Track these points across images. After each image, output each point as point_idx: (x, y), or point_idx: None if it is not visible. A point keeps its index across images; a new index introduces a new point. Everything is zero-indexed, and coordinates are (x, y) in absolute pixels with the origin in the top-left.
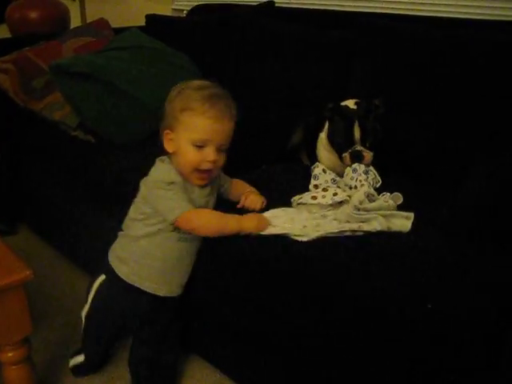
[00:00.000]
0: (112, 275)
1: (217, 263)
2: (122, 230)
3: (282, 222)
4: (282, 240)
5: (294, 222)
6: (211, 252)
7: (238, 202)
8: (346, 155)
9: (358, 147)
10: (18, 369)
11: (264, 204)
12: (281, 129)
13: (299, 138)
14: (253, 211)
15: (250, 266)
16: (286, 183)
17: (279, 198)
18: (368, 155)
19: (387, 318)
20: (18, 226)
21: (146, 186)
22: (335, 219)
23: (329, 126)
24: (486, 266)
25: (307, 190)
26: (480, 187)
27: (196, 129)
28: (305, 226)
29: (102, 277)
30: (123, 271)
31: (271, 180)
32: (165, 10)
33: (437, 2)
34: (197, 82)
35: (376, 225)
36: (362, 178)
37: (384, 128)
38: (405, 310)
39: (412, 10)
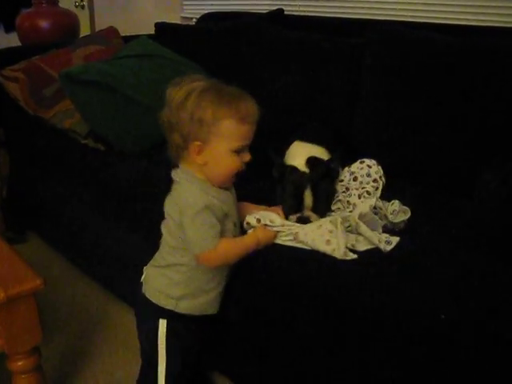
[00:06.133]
0: (172, 315)
1: (245, 281)
2: (158, 264)
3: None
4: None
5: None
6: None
7: None
8: (293, 218)
9: (307, 213)
10: (28, 378)
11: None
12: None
13: None
14: None
15: (278, 287)
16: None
17: None
18: (315, 219)
19: (401, 330)
20: (28, 235)
21: (177, 210)
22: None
23: (277, 187)
24: (501, 277)
25: None
26: (494, 198)
27: (237, 137)
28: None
29: (163, 323)
30: (188, 307)
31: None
32: (174, 18)
33: (450, 10)
34: (205, 83)
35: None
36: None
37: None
38: (419, 321)
39: (425, 17)
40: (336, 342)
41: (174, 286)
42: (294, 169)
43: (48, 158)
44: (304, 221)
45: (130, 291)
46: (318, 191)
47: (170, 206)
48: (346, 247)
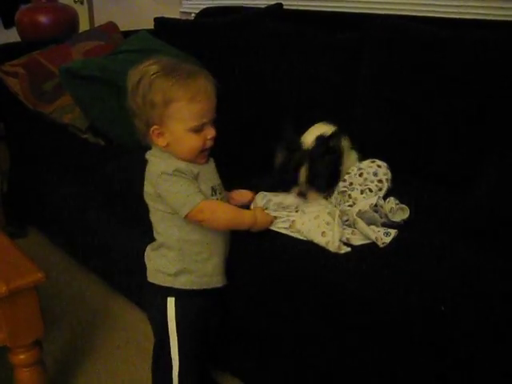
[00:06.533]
0: (179, 293)
1: (244, 273)
2: (153, 247)
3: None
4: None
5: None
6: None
7: None
8: (294, 191)
9: (303, 188)
10: (30, 371)
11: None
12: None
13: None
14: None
15: (277, 279)
16: None
17: None
18: (312, 196)
19: (401, 321)
20: (28, 229)
21: (149, 184)
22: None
23: (277, 157)
24: (500, 269)
25: None
26: (491, 188)
27: (191, 117)
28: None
29: (171, 301)
30: (187, 281)
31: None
32: (173, 13)
33: (447, 3)
34: (157, 66)
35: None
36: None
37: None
38: (419, 312)
39: (424, 11)
40: (336, 333)
41: (170, 263)
42: (299, 145)
43: (48, 153)
44: (300, 196)
45: (130, 284)
46: (314, 168)
47: (145, 186)
48: (341, 240)
